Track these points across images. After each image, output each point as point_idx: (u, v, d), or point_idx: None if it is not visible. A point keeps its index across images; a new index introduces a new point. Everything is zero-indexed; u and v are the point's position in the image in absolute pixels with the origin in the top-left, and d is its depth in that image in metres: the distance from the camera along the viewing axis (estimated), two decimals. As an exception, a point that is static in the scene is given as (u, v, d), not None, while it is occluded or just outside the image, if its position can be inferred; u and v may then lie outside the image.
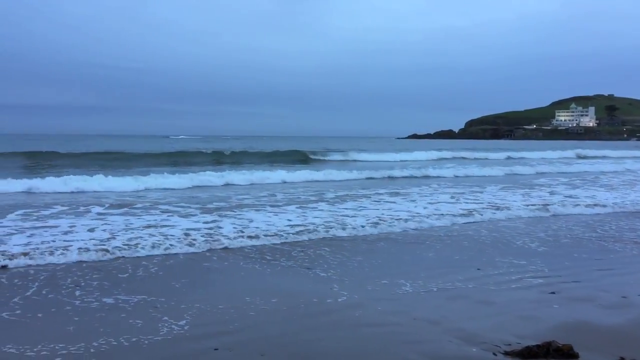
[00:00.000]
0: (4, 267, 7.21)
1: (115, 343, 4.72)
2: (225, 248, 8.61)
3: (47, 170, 23.93)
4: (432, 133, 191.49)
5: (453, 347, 4.69)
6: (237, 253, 8.34)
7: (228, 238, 9.19)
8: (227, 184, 19.23)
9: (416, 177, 23.79)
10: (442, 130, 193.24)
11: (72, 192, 16.20)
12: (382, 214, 12.17)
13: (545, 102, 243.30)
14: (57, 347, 4.59)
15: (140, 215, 11.63)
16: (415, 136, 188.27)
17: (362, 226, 10.60)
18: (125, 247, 8.42)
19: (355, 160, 37.71)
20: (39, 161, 29.24)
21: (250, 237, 9.35)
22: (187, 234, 9.43)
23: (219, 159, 34.31)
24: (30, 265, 7.32)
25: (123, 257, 7.89)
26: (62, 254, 7.88)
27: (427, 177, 23.95)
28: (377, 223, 10.90)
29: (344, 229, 10.28)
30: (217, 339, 4.82)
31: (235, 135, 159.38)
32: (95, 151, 37.32)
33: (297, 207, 13.14)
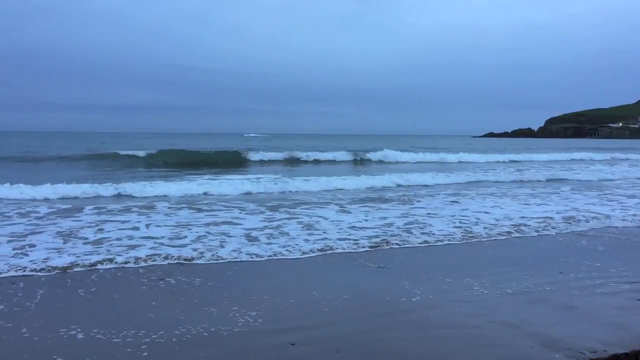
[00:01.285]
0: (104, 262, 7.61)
1: (194, 332, 4.89)
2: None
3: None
4: (509, 132, 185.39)
5: (534, 352, 4.52)
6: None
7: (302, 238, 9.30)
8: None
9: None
10: (520, 129, 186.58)
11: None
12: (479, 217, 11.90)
13: (632, 99, 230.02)
14: (140, 334, 4.81)
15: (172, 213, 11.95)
16: (491, 134, 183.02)
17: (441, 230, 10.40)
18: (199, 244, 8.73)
19: (460, 162, 35.14)
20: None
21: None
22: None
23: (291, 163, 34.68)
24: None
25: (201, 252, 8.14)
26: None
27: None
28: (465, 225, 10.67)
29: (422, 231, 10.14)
30: (293, 334, 4.88)
31: (309, 134, 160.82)
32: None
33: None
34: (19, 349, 4.50)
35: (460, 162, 35.04)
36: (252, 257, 7.76)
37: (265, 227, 10.04)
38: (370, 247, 8.53)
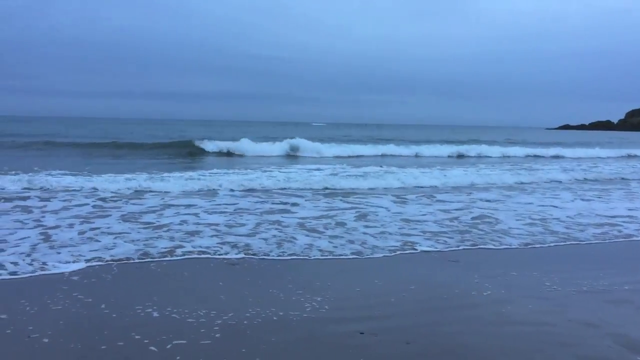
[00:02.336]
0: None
1: (264, 315, 4.97)
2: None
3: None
4: (586, 124, 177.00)
5: (614, 353, 4.31)
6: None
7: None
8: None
9: None
10: (598, 121, 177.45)
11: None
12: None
13: None
14: (211, 314, 4.94)
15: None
16: (567, 127, 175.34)
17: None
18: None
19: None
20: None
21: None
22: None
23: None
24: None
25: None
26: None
27: None
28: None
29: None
30: (361, 323, 4.86)
31: (377, 123, 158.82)
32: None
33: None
34: (99, 324, 4.72)
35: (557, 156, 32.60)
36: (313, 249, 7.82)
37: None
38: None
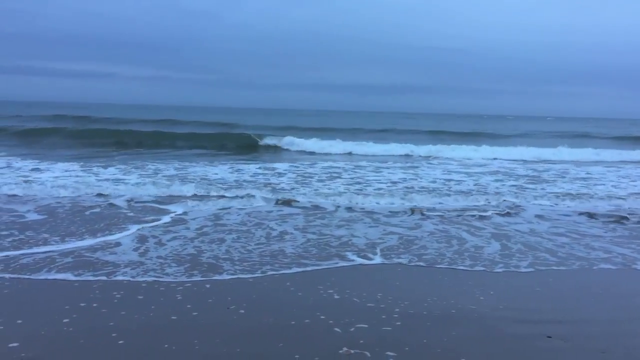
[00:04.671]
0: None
1: (442, 307, 4.92)
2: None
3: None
4: None
5: None
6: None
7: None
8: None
9: None
10: None
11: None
12: None
13: None
14: (389, 300, 5.01)
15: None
16: None
17: None
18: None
19: None
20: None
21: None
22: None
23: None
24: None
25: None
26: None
27: None
28: None
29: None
30: (548, 326, 4.59)
31: (560, 116, 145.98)
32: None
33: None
34: (288, 301, 5.05)
35: None
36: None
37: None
38: None
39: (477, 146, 23.70)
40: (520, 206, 10.14)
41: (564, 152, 22.87)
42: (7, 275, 5.48)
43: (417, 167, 17.20)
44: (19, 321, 4.37)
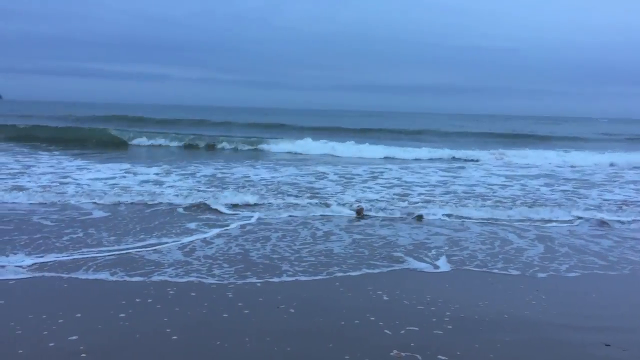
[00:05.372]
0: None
1: (494, 312, 4.83)
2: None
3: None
4: None
5: None
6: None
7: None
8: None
9: None
10: None
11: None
12: None
13: None
14: (439, 302, 4.96)
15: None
16: None
17: None
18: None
19: None
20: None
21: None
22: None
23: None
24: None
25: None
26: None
27: None
28: None
29: None
30: (606, 334, 4.45)
31: (615, 118, 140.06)
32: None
33: None
34: (335, 303, 5.06)
35: None
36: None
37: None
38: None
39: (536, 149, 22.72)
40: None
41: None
42: (64, 275, 5.67)
43: (462, 168, 16.97)
44: (78, 315, 4.52)
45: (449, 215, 8.99)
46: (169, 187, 11.26)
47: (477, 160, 19.70)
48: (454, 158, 20.56)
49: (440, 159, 20.28)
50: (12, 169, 13.60)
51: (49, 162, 15.34)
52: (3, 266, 5.71)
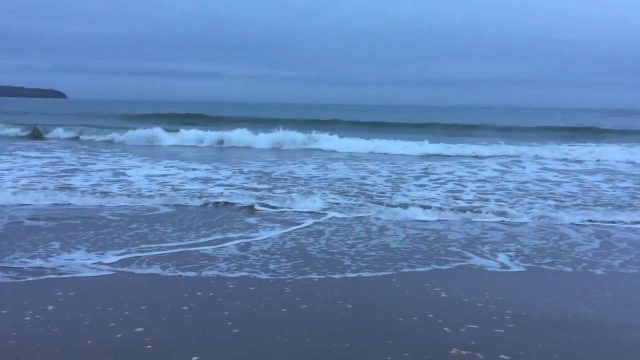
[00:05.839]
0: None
1: (557, 311, 4.70)
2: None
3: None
4: None
5: None
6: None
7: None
8: None
9: None
10: None
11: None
12: None
13: None
14: (499, 299, 4.86)
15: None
16: None
17: None
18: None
19: None
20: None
21: None
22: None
23: None
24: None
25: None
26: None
27: None
28: None
29: None
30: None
31: None
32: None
33: None
34: (392, 300, 5.04)
35: None
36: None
37: None
38: None
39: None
40: None
41: None
42: (128, 269, 5.88)
43: (522, 164, 16.54)
44: (143, 307, 4.67)
45: (502, 214, 8.75)
46: (222, 183, 11.48)
47: (536, 156, 18.87)
48: (509, 155, 19.41)
49: (503, 155, 19.16)
50: (75, 164, 14.16)
51: (108, 159, 15.90)
52: (70, 260, 5.98)
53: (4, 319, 4.42)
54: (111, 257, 6.09)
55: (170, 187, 10.80)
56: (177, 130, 24.02)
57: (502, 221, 8.23)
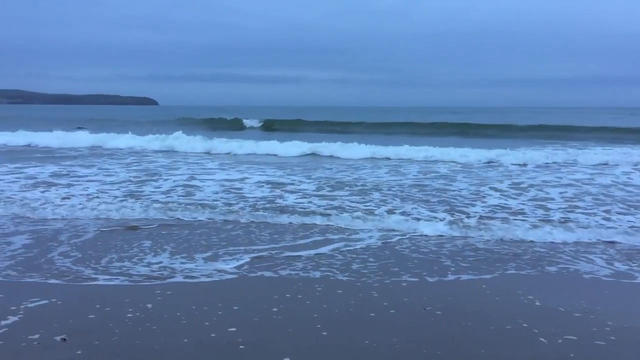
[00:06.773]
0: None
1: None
2: None
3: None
4: None
5: None
6: None
7: None
8: None
9: None
10: None
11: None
12: None
13: None
14: (597, 309, 4.62)
15: None
16: None
17: None
18: None
19: None
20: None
21: None
22: None
23: None
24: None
25: None
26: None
27: None
28: None
29: None
30: None
31: None
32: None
33: None
34: (483, 307, 4.92)
35: None
36: None
37: None
38: None
39: None
40: None
41: None
42: (220, 269, 6.07)
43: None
44: (235, 307, 4.81)
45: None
46: (301, 190, 11.64)
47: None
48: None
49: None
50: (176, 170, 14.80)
51: (195, 162, 16.54)
52: (169, 266, 6.26)
53: (106, 316, 4.67)
54: (201, 262, 6.32)
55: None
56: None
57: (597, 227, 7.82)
